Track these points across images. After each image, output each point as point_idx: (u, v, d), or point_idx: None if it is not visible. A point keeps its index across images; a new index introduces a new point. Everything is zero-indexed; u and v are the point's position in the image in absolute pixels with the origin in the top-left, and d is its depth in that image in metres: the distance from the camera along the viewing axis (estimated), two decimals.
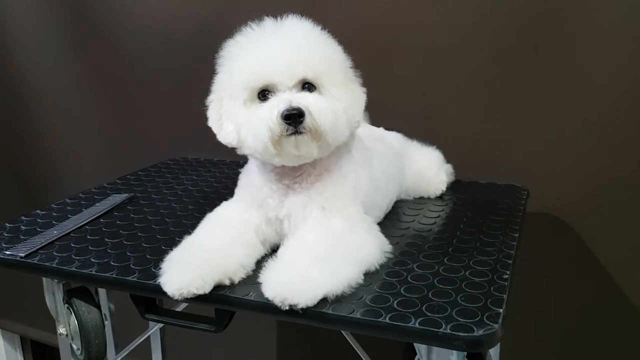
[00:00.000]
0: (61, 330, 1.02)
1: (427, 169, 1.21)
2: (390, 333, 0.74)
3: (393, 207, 1.13)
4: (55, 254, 0.96)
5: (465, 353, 0.77)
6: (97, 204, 1.19)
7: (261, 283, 0.81)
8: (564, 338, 1.38)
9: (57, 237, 1.02)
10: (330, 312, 0.76)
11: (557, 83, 1.27)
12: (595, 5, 1.19)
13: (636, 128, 1.22)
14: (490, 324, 0.72)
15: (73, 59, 1.75)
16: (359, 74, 0.93)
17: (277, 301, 0.77)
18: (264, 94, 0.87)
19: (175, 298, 0.81)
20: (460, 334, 0.70)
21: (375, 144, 1.08)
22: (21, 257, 0.95)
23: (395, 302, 0.78)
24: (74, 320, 1.02)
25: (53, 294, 1.01)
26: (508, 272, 0.85)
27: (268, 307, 0.78)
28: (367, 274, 0.85)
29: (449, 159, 1.25)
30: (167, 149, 1.65)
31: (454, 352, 0.76)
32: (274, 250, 0.94)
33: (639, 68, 1.18)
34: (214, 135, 0.93)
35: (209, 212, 0.99)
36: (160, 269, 0.86)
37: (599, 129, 1.25)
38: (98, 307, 1.04)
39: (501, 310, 0.75)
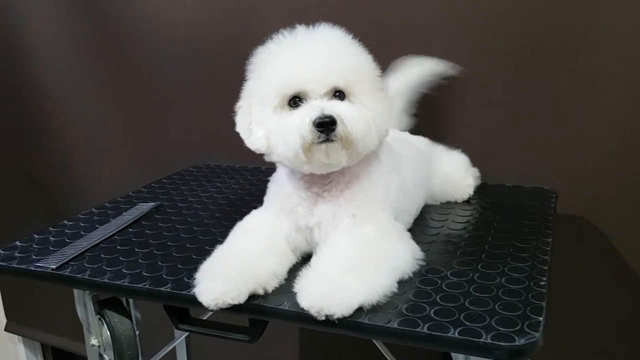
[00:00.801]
0: (93, 341, 1.02)
1: (453, 173, 1.20)
2: (429, 343, 0.73)
3: (420, 212, 1.12)
4: (87, 265, 0.96)
5: None
6: (125, 213, 1.19)
7: (295, 292, 0.81)
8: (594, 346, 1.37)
9: (87, 247, 1.02)
10: (366, 321, 0.76)
11: (582, 83, 1.25)
12: (618, 5, 1.18)
13: None
14: (531, 332, 0.71)
15: (93, 66, 1.76)
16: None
17: (313, 311, 0.76)
18: (294, 101, 0.86)
19: (211, 308, 0.80)
20: (502, 343, 0.69)
21: (403, 148, 1.07)
22: (52, 269, 0.95)
23: (432, 311, 0.77)
24: (106, 332, 1.02)
25: (84, 305, 1.01)
26: (544, 279, 0.84)
27: (303, 317, 0.77)
28: (401, 282, 0.84)
29: (472, 161, 1.24)
30: (188, 156, 1.65)
31: None
32: (304, 258, 0.94)
33: None
34: (235, 142, 0.93)
35: (236, 220, 0.99)
36: (193, 279, 0.86)
37: (625, 128, 1.23)
38: (130, 317, 1.04)
39: (541, 318, 0.74)
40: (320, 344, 1.74)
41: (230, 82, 0.96)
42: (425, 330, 0.73)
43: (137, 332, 1.06)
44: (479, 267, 0.89)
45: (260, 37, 0.93)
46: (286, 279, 0.87)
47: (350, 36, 0.90)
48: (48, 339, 2.25)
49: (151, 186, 1.38)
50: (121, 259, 0.98)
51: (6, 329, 2.30)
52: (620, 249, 1.29)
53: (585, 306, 1.34)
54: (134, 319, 1.11)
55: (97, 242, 1.05)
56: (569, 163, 1.29)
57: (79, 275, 0.93)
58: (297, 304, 0.79)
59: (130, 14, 1.65)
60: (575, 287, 1.32)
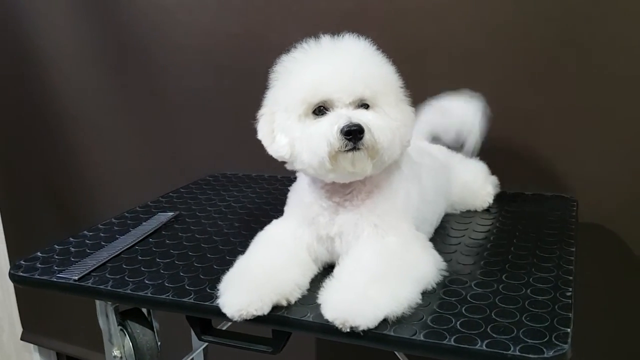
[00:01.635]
0: (115, 352, 1.01)
1: (472, 182, 1.19)
2: (456, 356, 0.72)
3: (441, 222, 1.11)
4: (109, 276, 0.96)
5: None
6: (144, 223, 1.19)
7: (319, 304, 0.81)
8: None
9: (109, 258, 1.02)
10: (392, 334, 0.75)
11: (602, 90, 1.24)
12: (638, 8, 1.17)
13: None
14: (560, 344, 0.70)
15: (110, 77, 1.77)
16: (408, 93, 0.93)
17: (337, 323, 0.76)
18: (320, 110, 0.86)
19: (235, 319, 0.80)
20: (530, 355, 0.69)
21: (423, 157, 1.07)
22: (75, 280, 0.95)
23: (458, 322, 0.76)
24: (128, 343, 1.01)
25: (106, 316, 1.01)
26: (570, 289, 0.83)
27: (328, 329, 0.77)
28: (425, 293, 0.84)
29: (490, 169, 1.23)
30: (204, 164, 1.65)
31: None
32: (325, 268, 0.94)
33: None
34: (251, 150, 0.93)
35: (255, 229, 0.99)
36: (216, 289, 0.86)
37: None
38: (151, 328, 1.04)
39: (569, 329, 0.73)
40: (336, 352, 1.73)
41: (249, 93, 0.97)
42: (452, 342, 0.72)
43: (159, 343, 1.06)
44: (503, 277, 0.88)
45: (277, 47, 0.93)
46: (308, 290, 0.87)
47: (375, 47, 0.90)
48: (64, 348, 2.26)
49: (169, 196, 1.39)
50: (143, 269, 0.98)
51: (22, 338, 2.31)
52: None
53: (607, 314, 1.33)
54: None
55: (118, 252, 1.05)
56: (586, 170, 1.28)
57: (102, 287, 0.93)
58: (321, 315, 0.79)
59: (150, 26, 1.67)
60: (597, 295, 1.30)
